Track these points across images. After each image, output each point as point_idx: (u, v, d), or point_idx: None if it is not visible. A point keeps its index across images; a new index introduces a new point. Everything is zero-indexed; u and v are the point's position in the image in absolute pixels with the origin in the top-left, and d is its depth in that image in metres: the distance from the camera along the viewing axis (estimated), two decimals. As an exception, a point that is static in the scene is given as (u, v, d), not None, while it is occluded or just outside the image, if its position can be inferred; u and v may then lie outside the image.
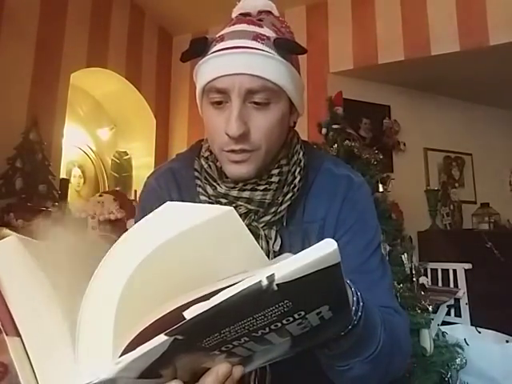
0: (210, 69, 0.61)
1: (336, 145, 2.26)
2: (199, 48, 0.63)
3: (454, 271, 2.63)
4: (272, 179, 0.65)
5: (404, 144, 3.52)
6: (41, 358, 0.33)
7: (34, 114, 2.47)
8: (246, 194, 0.64)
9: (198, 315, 0.28)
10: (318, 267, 0.28)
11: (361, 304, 0.46)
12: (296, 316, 0.32)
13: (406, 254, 2.03)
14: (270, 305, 0.30)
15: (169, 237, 0.34)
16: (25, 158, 2.33)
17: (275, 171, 0.66)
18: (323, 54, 3.29)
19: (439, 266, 2.74)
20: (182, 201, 0.69)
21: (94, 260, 0.37)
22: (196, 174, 0.70)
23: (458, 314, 2.45)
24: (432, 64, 3.06)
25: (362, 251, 0.66)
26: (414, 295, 1.92)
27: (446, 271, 2.68)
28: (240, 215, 0.63)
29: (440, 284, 2.67)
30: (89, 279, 0.36)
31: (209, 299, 0.29)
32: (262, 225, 0.64)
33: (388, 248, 2.01)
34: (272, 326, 0.32)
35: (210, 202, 0.66)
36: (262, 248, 0.63)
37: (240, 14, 0.67)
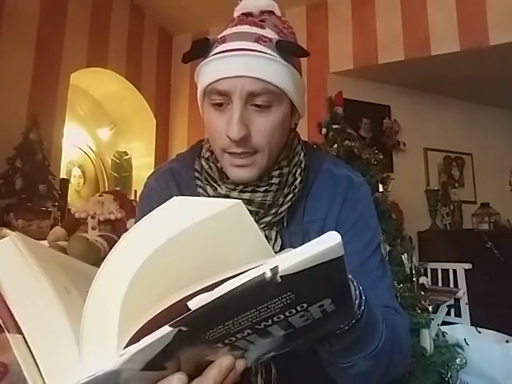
0: (211, 71, 0.61)
1: (336, 145, 2.26)
2: (201, 49, 0.62)
3: (454, 271, 2.63)
4: (272, 181, 0.65)
5: (404, 144, 3.52)
6: (44, 354, 0.33)
7: (34, 114, 2.47)
8: (246, 196, 0.64)
9: (202, 306, 0.28)
10: (322, 260, 0.29)
11: (363, 298, 0.46)
12: (298, 308, 0.32)
13: (405, 254, 2.03)
14: (273, 297, 0.30)
15: (178, 230, 0.34)
16: (25, 158, 2.33)
17: (275, 173, 0.66)
18: (323, 54, 3.29)
19: (439, 265, 2.74)
20: None
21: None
22: (196, 174, 0.70)
23: (458, 314, 2.45)
24: (432, 64, 3.06)
25: (362, 251, 0.66)
26: (413, 295, 1.92)
27: (446, 271, 2.68)
28: None
29: (440, 284, 2.68)
30: (86, 277, 0.36)
31: (212, 290, 0.29)
32: (263, 226, 0.65)
33: (388, 248, 2.01)
34: (275, 318, 0.32)
35: None
36: None
37: (242, 14, 0.67)
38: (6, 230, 1.87)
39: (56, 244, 1.72)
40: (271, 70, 0.59)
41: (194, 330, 0.30)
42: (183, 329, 0.29)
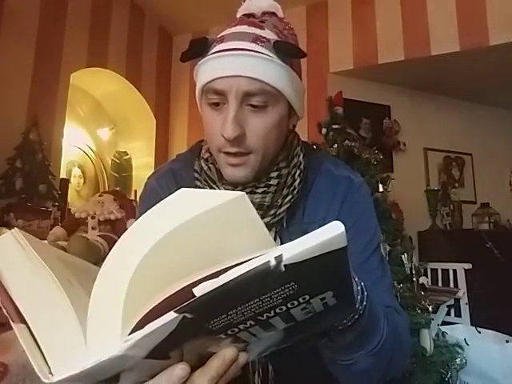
0: (208, 70, 0.61)
1: (336, 145, 2.26)
2: (199, 48, 0.62)
3: (454, 271, 2.63)
4: (271, 182, 0.65)
5: (404, 144, 3.52)
6: (49, 342, 0.33)
7: (34, 114, 2.47)
8: None
9: (207, 293, 0.29)
10: (326, 250, 0.29)
11: (365, 293, 0.47)
12: (301, 300, 0.32)
13: (405, 254, 2.03)
14: (276, 286, 0.30)
15: (182, 220, 0.34)
16: (25, 158, 2.33)
17: (274, 174, 0.66)
18: (323, 54, 3.29)
19: (439, 265, 2.74)
20: None
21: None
22: (196, 175, 0.71)
23: (458, 314, 2.45)
24: (432, 64, 3.06)
25: (361, 251, 0.66)
26: (413, 295, 1.92)
27: (445, 271, 2.68)
28: None
29: (440, 284, 2.68)
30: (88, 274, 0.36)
31: (218, 277, 0.29)
32: None
33: (388, 248, 2.01)
34: (277, 310, 0.32)
35: None
36: None
37: (244, 15, 0.67)
38: (5, 230, 1.87)
39: (56, 244, 1.73)
40: (268, 70, 0.59)
41: (198, 317, 0.30)
42: (188, 316, 0.29)
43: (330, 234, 0.29)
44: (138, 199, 0.83)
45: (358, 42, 3.23)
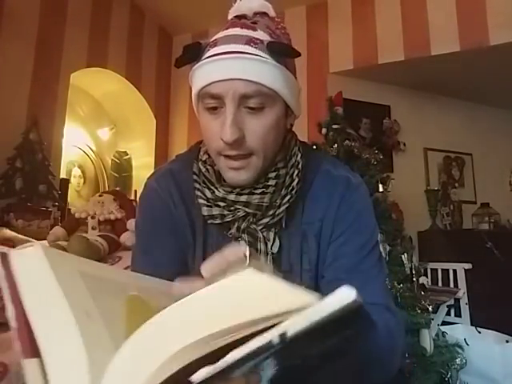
0: (203, 74, 0.61)
1: (336, 145, 2.26)
2: (193, 53, 0.63)
3: (454, 271, 2.63)
4: (269, 183, 0.65)
5: (404, 144, 3.52)
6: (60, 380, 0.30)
7: (34, 114, 2.47)
8: (243, 198, 0.64)
9: (203, 381, 0.27)
10: (335, 318, 0.27)
11: None
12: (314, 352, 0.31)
13: (406, 254, 2.03)
14: (282, 357, 0.29)
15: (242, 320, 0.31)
16: (25, 158, 2.33)
17: (272, 174, 0.66)
18: (323, 54, 3.29)
19: (439, 265, 2.74)
20: (183, 202, 0.70)
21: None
22: (194, 177, 0.71)
23: (458, 314, 2.45)
24: (432, 64, 3.06)
25: (358, 251, 0.66)
26: (413, 295, 1.92)
27: (445, 271, 2.69)
28: (239, 218, 0.64)
29: (440, 284, 2.68)
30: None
31: (215, 362, 0.27)
32: (261, 227, 0.65)
33: (388, 248, 2.01)
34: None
35: (208, 205, 0.67)
36: (260, 250, 0.64)
37: (235, 17, 0.67)
38: (5, 230, 1.87)
39: (56, 244, 1.73)
40: (263, 71, 0.59)
41: None
42: None
43: (338, 304, 0.26)
44: (138, 199, 0.83)
45: (357, 42, 3.23)
